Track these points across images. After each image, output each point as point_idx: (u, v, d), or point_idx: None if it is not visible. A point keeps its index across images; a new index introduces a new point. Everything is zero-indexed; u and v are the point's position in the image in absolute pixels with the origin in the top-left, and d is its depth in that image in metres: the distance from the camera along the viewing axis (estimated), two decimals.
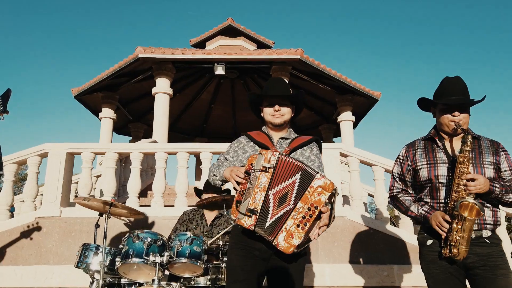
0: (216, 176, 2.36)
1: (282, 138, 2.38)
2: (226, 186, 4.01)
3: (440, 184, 2.13)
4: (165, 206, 4.88)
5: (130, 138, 13.55)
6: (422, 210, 2.15)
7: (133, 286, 3.19)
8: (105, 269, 3.16)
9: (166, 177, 5.08)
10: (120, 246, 3.11)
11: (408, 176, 2.28)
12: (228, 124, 14.69)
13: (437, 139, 2.21)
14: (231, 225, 3.91)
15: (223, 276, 3.24)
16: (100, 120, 10.96)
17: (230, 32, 12.19)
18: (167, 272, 3.24)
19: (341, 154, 4.88)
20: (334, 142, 13.82)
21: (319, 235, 2.01)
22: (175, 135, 14.40)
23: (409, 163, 2.27)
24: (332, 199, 1.98)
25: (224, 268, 3.26)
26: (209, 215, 3.94)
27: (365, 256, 4.50)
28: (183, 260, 2.98)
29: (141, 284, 3.10)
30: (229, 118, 14.43)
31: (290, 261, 2.12)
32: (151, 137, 14.58)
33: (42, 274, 4.32)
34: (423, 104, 2.32)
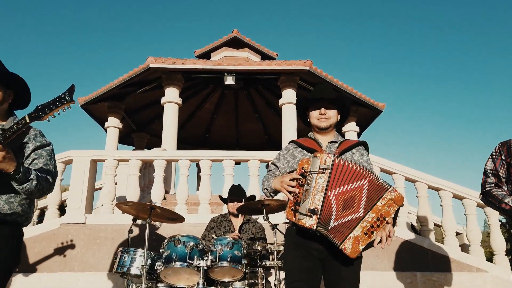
0: (267, 190, 2.43)
1: (330, 142, 2.41)
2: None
3: None
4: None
5: (133, 147, 13.54)
6: None
7: None
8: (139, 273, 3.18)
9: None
10: (161, 250, 3.15)
11: (502, 170, 2.25)
12: (230, 134, 14.78)
13: None
14: (262, 230, 3.99)
15: (259, 280, 3.28)
16: (106, 130, 10.96)
17: (235, 43, 12.32)
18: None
19: None
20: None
21: (388, 245, 2.06)
22: (177, 144, 14.44)
23: (503, 158, 2.25)
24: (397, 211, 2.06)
25: (260, 272, 3.30)
26: (236, 221, 3.99)
27: (388, 263, 4.55)
28: (225, 264, 3.02)
29: None
30: (231, 128, 14.50)
31: (347, 263, 2.17)
32: (154, 146, 14.59)
33: (67, 281, 4.31)
34: None
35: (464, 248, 5.20)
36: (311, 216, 2.03)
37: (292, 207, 2.16)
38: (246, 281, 3.23)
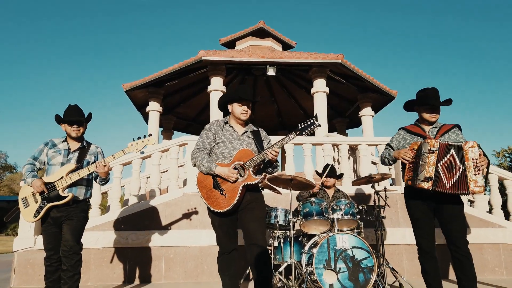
0: (388, 159, 3.68)
1: (432, 128, 3.56)
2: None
3: None
4: None
5: (162, 129, 14.57)
6: None
7: (303, 237, 4.51)
8: (284, 224, 4.49)
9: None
10: (299, 209, 4.45)
11: None
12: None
13: None
14: (348, 198, 5.30)
15: (362, 229, 4.61)
16: (147, 114, 12.02)
17: (260, 33, 13.40)
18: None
19: None
20: (347, 134, 15.37)
21: (484, 169, 3.25)
22: (200, 126, 15.60)
23: None
24: (481, 149, 3.24)
25: (362, 225, 4.63)
26: (330, 191, 5.29)
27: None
28: (348, 217, 4.34)
29: (313, 236, 4.43)
30: None
31: (454, 205, 3.39)
32: (180, 128, 15.66)
33: (194, 236, 5.57)
34: None
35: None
36: (427, 181, 3.23)
37: (409, 176, 3.42)
38: (355, 231, 4.57)
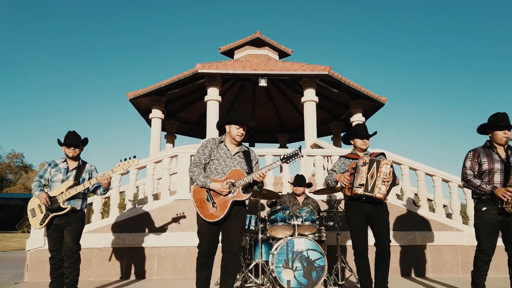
0: (331, 181, 4.48)
1: (364, 154, 4.41)
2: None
3: (495, 173, 3.90)
4: None
5: (165, 133, 15.41)
6: (489, 187, 3.85)
7: (273, 240, 5.25)
8: (254, 229, 5.24)
9: None
10: (266, 216, 5.19)
11: (476, 167, 4.02)
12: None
13: (493, 147, 3.99)
14: (317, 205, 6.02)
15: (323, 234, 5.34)
16: (150, 120, 12.85)
17: (257, 43, 14.13)
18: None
19: None
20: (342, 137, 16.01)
21: (389, 184, 4.05)
22: (201, 130, 16.40)
23: (476, 160, 4.02)
24: (392, 168, 4.09)
25: (323, 230, 5.36)
26: (300, 198, 6.01)
27: (398, 225, 6.66)
28: (308, 223, 5.07)
29: (280, 239, 5.17)
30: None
31: (382, 213, 4.19)
32: (183, 132, 16.42)
33: (183, 238, 6.35)
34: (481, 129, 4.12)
35: (448, 215, 7.34)
36: (360, 188, 4.07)
37: (349, 188, 4.21)
38: (317, 234, 5.29)
